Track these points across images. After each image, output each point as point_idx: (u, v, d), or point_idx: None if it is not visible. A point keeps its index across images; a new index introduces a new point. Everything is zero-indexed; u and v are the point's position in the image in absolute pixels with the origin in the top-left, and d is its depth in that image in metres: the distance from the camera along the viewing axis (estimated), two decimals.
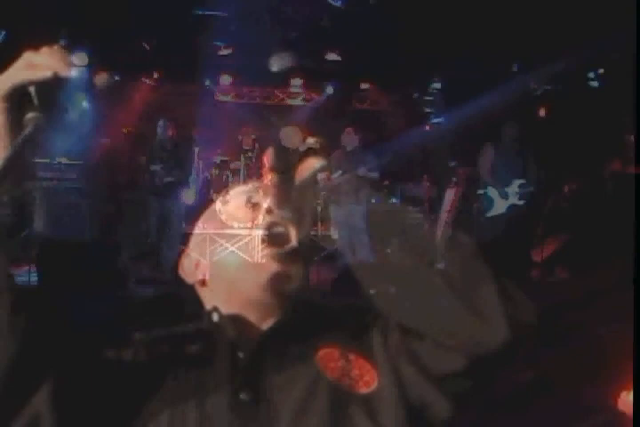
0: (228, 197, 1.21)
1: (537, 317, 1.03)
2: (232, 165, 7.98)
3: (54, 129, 0.94)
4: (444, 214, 5.70)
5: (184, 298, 1.22)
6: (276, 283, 1.10)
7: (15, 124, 0.94)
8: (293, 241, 1.12)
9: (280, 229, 1.11)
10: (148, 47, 8.09)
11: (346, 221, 1.09)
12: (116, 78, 8.41)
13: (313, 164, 1.12)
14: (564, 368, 3.42)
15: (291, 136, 1.09)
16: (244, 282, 1.12)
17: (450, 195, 6.13)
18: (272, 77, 8.28)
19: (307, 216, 1.10)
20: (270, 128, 8.09)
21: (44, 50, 0.95)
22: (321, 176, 1.10)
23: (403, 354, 1.08)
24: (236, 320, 1.12)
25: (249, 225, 1.14)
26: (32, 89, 0.92)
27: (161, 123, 6.97)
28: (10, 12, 6.31)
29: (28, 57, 0.94)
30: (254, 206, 1.17)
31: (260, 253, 1.11)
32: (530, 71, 8.13)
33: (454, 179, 6.78)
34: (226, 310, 1.13)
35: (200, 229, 1.21)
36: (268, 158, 1.11)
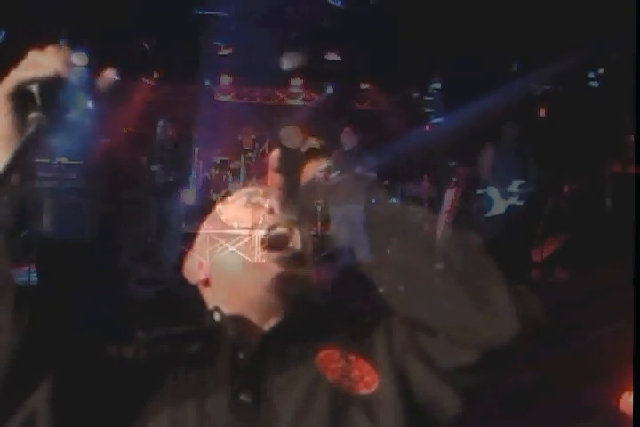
0: (228, 197, 1.21)
1: (544, 312, 1.04)
2: (232, 165, 7.98)
3: (56, 129, 0.94)
4: (444, 214, 5.70)
5: (184, 298, 1.22)
6: (280, 285, 1.10)
7: (19, 123, 0.94)
8: (297, 243, 1.12)
9: (281, 231, 1.11)
10: (148, 47, 8.09)
11: (345, 220, 1.09)
12: (116, 78, 8.41)
13: (317, 164, 1.12)
14: (564, 368, 3.42)
15: (291, 136, 1.09)
16: (247, 283, 1.12)
17: (450, 195, 6.13)
18: (272, 77, 8.29)
19: (311, 217, 1.10)
20: (271, 128, 8.09)
21: (49, 49, 0.95)
22: (319, 176, 1.10)
23: (410, 351, 1.08)
24: (237, 320, 1.12)
25: (249, 225, 1.14)
26: (35, 89, 0.92)
27: (161, 123, 6.98)
28: (10, 12, 6.31)
29: (32, 56, 0.95)
30: (255, 207, 1.17)
31: (259, 254, 1.11)
32: (530, 71, 8.13)
33: (454, 179, 6.77)
34: (228, 310, 1.13)
35: (202, 229, 1.22)
36: (273, 160, 1.11)
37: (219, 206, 1.21)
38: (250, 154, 7.93)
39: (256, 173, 7.44)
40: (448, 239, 1.05)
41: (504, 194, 6.38)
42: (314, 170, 1.11)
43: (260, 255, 1.11)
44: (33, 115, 0.91)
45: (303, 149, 1.11)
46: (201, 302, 1.17)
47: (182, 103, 8.68)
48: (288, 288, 1.11)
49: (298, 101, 9.90)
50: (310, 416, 1.03)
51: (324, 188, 1.10)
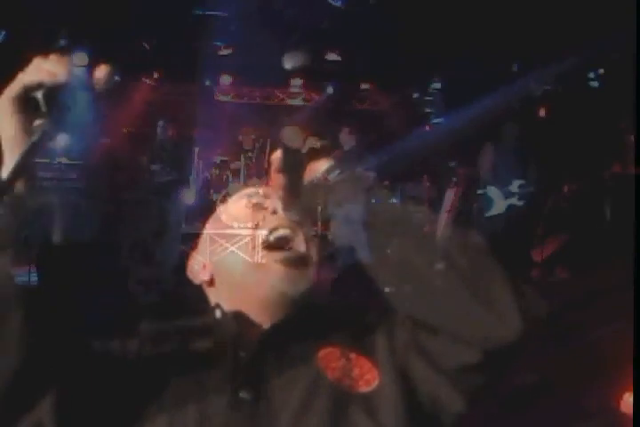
0: (228, 197, 1.22)
1: (547, 311, 1.04)
2: (232, 165, 7.98)
3: (61, 133, 0.95)
4: (444, 214, 5.70)
5: (184, 298, 1.22)
6: (283, 285, 1.11)
7: (25, 128, 0.94)
8: (301, 245, 1.12)
9: (283, 232, 1.11)
10: (148, 47, 8.09)
11: (346, 220, 1.09)
12: (117, 78, 8.40)
13: (318, 165, 1.12)
14: (564, 368, 3.42)
15: (292, 136, 1.09)
16: (250, 283, 1.12)
17: (450, 195, 6.13)
18: (272, 77, 8.28)
19: (312, 217, 1.10)
20: (271, 128, 8.09)
21: (53, 56, 0.96)
22: (319, 176, 1.10)
23: (412, 350, 1.08)
24: (238, 318, 1.13)
25: (249, 225, 1.14)
26: (40, 96, 0.93)
27: (161, 123, 6.98)
28: (10, 11, 6.31)
29: (37, 62, 0.95)
30: (255, 207, 1.17)
31: (260, 254, 1.11)
32: (530, 71, 8.12)
33: (454, 179, 6.77)
34: (230, 308, 1.14)
35: (203, 229, 1.22)
36: (275, 160, 1.10)
37: (219, 207, 1.21)
38: (250, 154, 7.93)
39: (256, 173, 7.44)
40: (450, 239, 1.05)
41: (504, 194, 6.37)
42: (315, 170, 1.11)
43: (260, 256, 1.11)
44: (38, 121, 0.92)
45: (304, 150, 1.11)
46: (203, 301, 1.18)
47: (182, 103, 8.67)
48: (291, 289, 1.11)
49: (298, 101, 9.90)
50: (310, 414, 1.04)
51: (324, 188, 1.10)
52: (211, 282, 1.18)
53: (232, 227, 1.16)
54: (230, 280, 1.15)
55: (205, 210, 1.26)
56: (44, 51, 0.98)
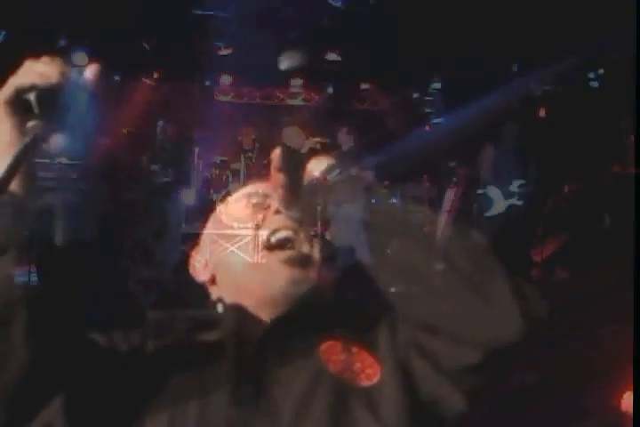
0: (228, 197, 1.22)
1: (549, 311, 1.04)
2: (232, 165, 7.98)
3: (56, 134, 0.95)
4: (445, 214, 5.70)
5: (184, 298, 1.22)
6: (286, 286, 1.11)
7: (18, 130, 0.95)
8: (304, 245, 1.12)
9: (286, 234, 1.11)
10: (148, 47, 8.09)
11: (345, 221, 1.09)
12: (116, 78, 8.40)
13: (318, 165, 1.12)
14: (564, 368, 3.42)
15: (293, 136, 1.09)
16: (252, 282, 1.13)
17: (450, 195, 6.12)
18: (272, 77, 8.28)
19: (312, 217, 1.10)
20: (271, 128, 8.09)
21: (45, 59, 0.96)
22: (317, 176, 1.10)
23: (413, 348, 1.09)
24: (240, 311, 1.13)
25: (249, 226, 1.14)
26: (32, 97, 0.93)
27: (161, 123, 6.97)
28: (10, 12, 6.31)
29: (29, 65, 0.95)
30: (255, 207, 1.17)
31: (259, 254, 1.11)
32: (530, 71, 8.12)
33: (454, 179, 6.77)
34: (231, 302, 1.14)
35: (203, 229, 1.23)
36: (275, 158, 1.10)
37: (219, 207, 1.21)
38: (250, 154, 7.93)
39: (256, 173, 7.44)
40: (451, 239, 1.05)
41: (504, 194, 6.37)
42: (314, 170, 1.11)
43: (260, 256, 1.11)
44: (31, 123, 0.92)
45: (303, 150, 1.11)
46: (204, 296, 1.19)
47: (182, 103, 8.67)
48: (293, 289, 1.12)
49: (298, 101, 9.90)
50: (312, 408, 1.04)
51: (323, 188, 1.10)
52: (212, 280, 1.19)
53: (232, 227, 1.16)
54: (232, 279, 1.16)
55: (205, 210, 1.26)
56: (44, 51, 0.98)
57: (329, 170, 1.10)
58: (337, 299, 1.21)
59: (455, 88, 8.56)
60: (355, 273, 1.12)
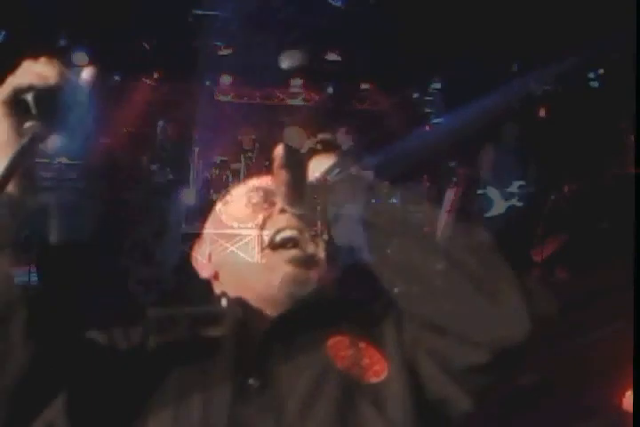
0: (228, 197, 1.22)
1: (557, 309, 1.03)
2: (232, 166, 7.98)
3: (55, 134, 0.95)
4: (445, 214, 5.70)
5: (186, 294, 1.23)
6: (291, 286, 1.11)
7: (16, 130, 0.94)
8: (308, 245, 1.12)
9: (290, 234, 1.11)
10: (148, 47, 8.09)
11: (345, 220, 1.09)
12: (116, 78, 8.40)
13: (318, 165, 1.12)
14: (564, 368, 3.41)
15: (295, 136, 1.09)
16: (255, 282, 1.13)
17: (450, 195, 6.12)
18: (272, 77, 8.28)
19: (313, 217, 1.10)
20: (271, 128, 8.09)
21: (43, 59, 0.96)
22: (317, 176, 1.10)
23: (420, 348, 1.08)
24: (244, 306, 1.13)
25: (249, 225, 1.14)
26: (30, 98, 0.93)
27: (161, 123, 6.97)
28: (10, 12, 6.31)
29: (27, 65, 0.95)
30: (255, 207, 1.17)
31: (260, 254, 1.11)
32: (530, 71, 8.12)
33: (454, 179, 6.77)
34: (235, 297, 1.14)
35: (203, 229, 1.23)
36: (277, 156, 1.09)
37: (218, 206, 1.21)
38: (250, 154, 7.93)
39: (256, 173, 7.43)
40: (453, 238, 1.05)
41: (504, 194, 6.37)
42: (314, 170, 1.11)
43: (260, 256, 1.11)
44: (28, 124, 0.92)
45: (303, 150, 1.11)
46: (208, 290, 1.19)
47: (182, 103, 8.66)
48: (298, 288, 1.12)
49: (298, 101, 9.89)
50: (318, 403, 1.03)
51: (323, 188, 1.10)
52: (216, 276, 1.20)
53: (232, 227, 1.16)
54: (235, 278, 1.16)
55: (205, 210, 1.26)
56: (44, 51, 0.98)
57: (329, 170, 1.10)
58: (340, 299, 1.21)
59: (455, 88, 8.55)
60: (357, 273, 1.12)
